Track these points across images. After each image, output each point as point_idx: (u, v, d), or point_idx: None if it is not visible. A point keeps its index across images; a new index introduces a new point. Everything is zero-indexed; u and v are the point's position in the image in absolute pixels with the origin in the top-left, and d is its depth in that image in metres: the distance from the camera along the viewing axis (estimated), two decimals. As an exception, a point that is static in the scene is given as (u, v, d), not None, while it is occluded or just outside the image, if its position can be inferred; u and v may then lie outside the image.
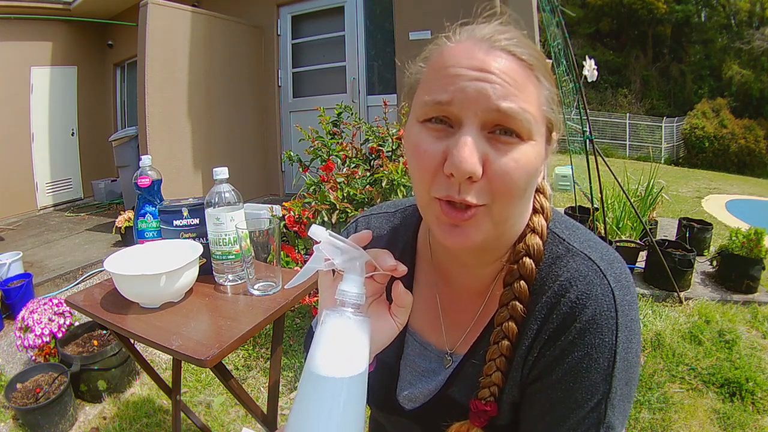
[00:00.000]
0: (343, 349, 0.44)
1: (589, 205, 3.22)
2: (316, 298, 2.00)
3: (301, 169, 2.61)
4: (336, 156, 2.47)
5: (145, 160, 1.21)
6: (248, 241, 1.00)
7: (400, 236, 0.67)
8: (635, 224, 3.31)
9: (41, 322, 2.06)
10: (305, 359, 0.46)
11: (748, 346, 2.24)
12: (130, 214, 3.58)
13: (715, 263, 2.94)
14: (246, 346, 2.26)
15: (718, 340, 2.27)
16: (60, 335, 2.07)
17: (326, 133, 2.57)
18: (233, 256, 1.09)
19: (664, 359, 2.15)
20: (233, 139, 4.51)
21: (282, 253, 2.06)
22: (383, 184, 2.13)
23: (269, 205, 2.91)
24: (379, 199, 2.17)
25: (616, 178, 2.88)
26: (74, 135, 5.92)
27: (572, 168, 3.66)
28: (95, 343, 2.06)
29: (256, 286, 1.06)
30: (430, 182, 0.46)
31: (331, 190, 2.19)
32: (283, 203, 2.37)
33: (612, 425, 0.48)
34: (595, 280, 0.49)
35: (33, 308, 2.12)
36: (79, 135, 5.95)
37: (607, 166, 2.74)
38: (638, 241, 3.10)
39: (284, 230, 2.37)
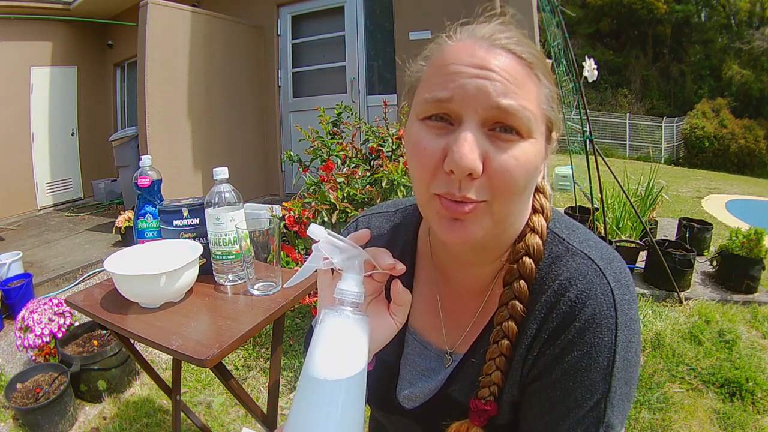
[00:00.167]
0: (341, 348, 0.44)
1: (589, 205, 3.23)
2: (316, 298, 2.00)
3: (301, 169, 2.61)
4: (336, 156, 2.47)
5: (145, 160, 1.21)
6: (248, 241, 1.00)
7: (401, 235, 0.67)
8: (635, 224, 3.31)
9: (41, 322, 2.06)
10: (305, 359, 0.46)
11: (748, 346, 2.24)
12: (130, 214, 3.58)
13: (715, 263, 2.94)
14: (246, 346, 2.26)
15: (718, 340, 2.27)
16: (60, 335, 2.07)
17: (326, 133, 2.57)
18: (233, 256, 1.09)
19: (664, 359, 2.15)
20: (233, 139, 4.52)
21: (282, 253, 2.06)
22: (383, 184, 2.13)
23: (269, 205, 2.91)
24: (379, 199, 2.17)
25: (616, 178, 2.88)
26: (74, 135, 5.92)
27: (572, 168, 3.66)
28: (95, 343, 2.06)
29: (256, 286, 1.06)
30: (430, 179, 0.46)
31: (331, 190, 2.19)
32: (283, 203, 2.37)
33: (611, 424, 0.48)
34: (595, 279, 0.49)
35: (33, 308, 2.12)
36: (79, 135, 5.95)
37: (607, 166, 2.74)
38: (638, 241, 3.10)
39: (284, 230, 2.37)
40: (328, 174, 2.30)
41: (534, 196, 0.55)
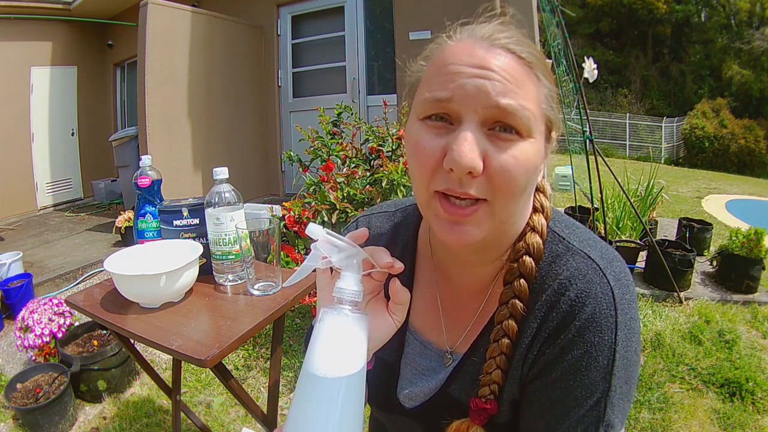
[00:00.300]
0: (340, 347, 0.44)
1: (589, 205, 3.23)
2: (315, 298, 2.00)
3: (301, 169, 2.61)
4: (336, 156, 2.47)
5: (145, 160, 1.21)
6: (248, 241, 1.00)
7: (401, 235, 0.67)
8: (635, 224, 3.31)
9: (41, 322, 2.06)
10: (305, 357, 0.46)
11: (748, 346, 2.24)
12: (130, 214, 3.58)
13: (715, 263, 2.94)
14: (246, 346, 2.26)
15: (718, 340, 2.27)
16: (60, 335, 2.07)
17: (326, 133, 2.57)
18: (233, 256, 1.09)
19: (664, 359, 2.15)
20: (233, 139, 4.52)
21: (282, 253, 2.06)
22: (383, 184, 2.13)
23: (269, 205, 2.91)
24: (379, 199, 2.17)
25: (616, 178, 2.88)
26: (74, 135, 5.92)
27: (572, 168, 3.66)
28: (95, 343, 2.06)
29: (256, 286, 1.06)
30: (430, 178, 0.46)
31: (331, 190, 2.19)
32: (283, 203, 2.37)
33: (611, 423, 0.48)
34: (595, 278, 0.49)
35: (33, 308, 2.12)
36: (79, 135, 5.95)
37: (607, 166, 2.74)
38: (638, 241, 3.10)
39: (284, 230, 2.37)
40: (328, 174, 2.30)
41: (534, 195, 0.56)
